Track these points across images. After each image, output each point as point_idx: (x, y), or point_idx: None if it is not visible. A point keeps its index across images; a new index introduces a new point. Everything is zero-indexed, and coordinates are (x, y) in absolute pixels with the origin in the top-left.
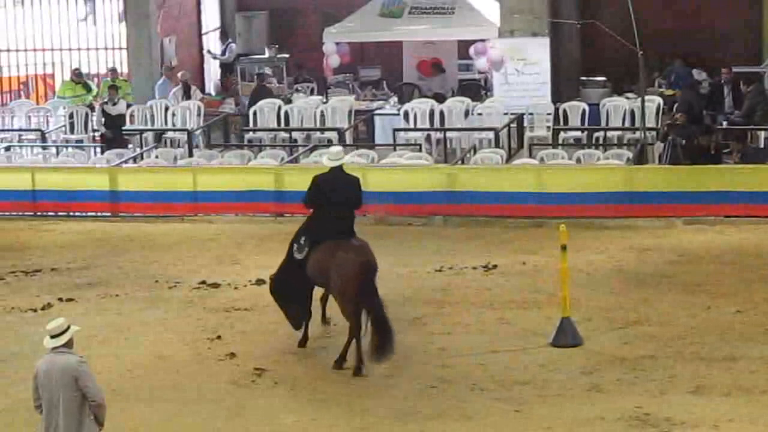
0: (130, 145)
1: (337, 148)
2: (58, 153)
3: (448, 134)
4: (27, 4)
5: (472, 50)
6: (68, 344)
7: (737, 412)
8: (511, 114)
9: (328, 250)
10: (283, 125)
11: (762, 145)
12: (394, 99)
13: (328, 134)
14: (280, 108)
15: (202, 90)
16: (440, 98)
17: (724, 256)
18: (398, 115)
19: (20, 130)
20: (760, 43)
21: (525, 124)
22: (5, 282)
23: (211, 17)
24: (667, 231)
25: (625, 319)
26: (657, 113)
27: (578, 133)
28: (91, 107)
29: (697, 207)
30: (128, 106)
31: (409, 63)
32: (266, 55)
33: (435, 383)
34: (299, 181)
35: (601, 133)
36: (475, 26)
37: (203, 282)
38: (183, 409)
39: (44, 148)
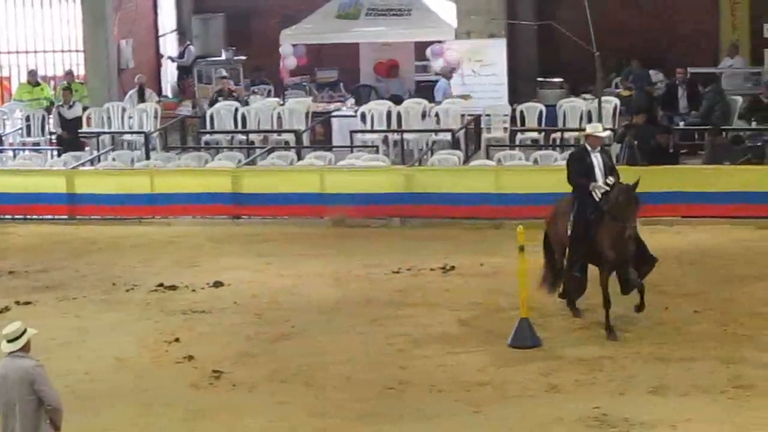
0: (87, 148)
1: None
2: (15, 156)
3: (406, 136)
4: None
5: (429, 52)
6: (25, 348)
7: (695, 412)
8: (469, 115)
9: None
10: (240, 127)
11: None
12: (351, 101)
13: (285, 136)
14: (237, 110)
15: (159, 92)
16: (397, 100)
17: (682, 256)
18: (355, 116)
19: None
20: (718, 44)
21: (482, 125)
22: None
23: (167, 19)
24: None
25: (584, 319)
26: (614, 114)
27: (535, 134)
28: (48, 110)
29: (655, 207)
30: (84, 108)
31: (366, 65)
32: (223, 57)
33: (394, 385)
34: (256, 183)
35: (558, 134)
36: (432, 28)
37: (161, 284)
38: (142, 412)
39: (1, 151)
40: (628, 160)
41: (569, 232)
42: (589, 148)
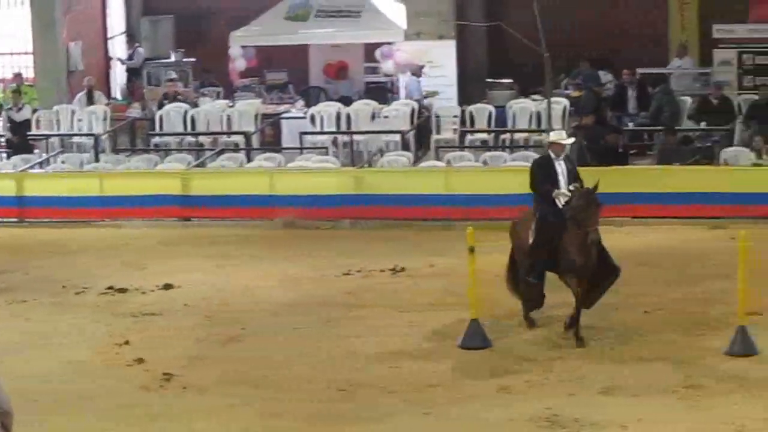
0: (36, 151)
1: None
2: None
3: (355, 137)
4: None
5: (378, 53)
6: None
7: (646, 413)
8: (418, 117)
9: None
10: (189, 129)
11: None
12: (301, 102)
13: (234, 138)
14: (186, 112)
15: (108, 95)
16: (347, 101)
17: (633, 257)
18: (305, 118)
19: None
20: (667, 44)
21: (431, 126)
22: None
23: (117, 21)
24: None
25: (534, 320)
26: (563, 115)
27: (485, 136)
28: None
29: (606, 208)
30: (33, 111)
31: (316, 66)
32: (172, 59)
33: (345, 386)
34: (206, 185)
35: (507, 135)
36: (382, 29)
37: (111, 287)
38: (93, 416)
39: None
40: (577, 161)
41: (531, 239)
42: (552, 155)
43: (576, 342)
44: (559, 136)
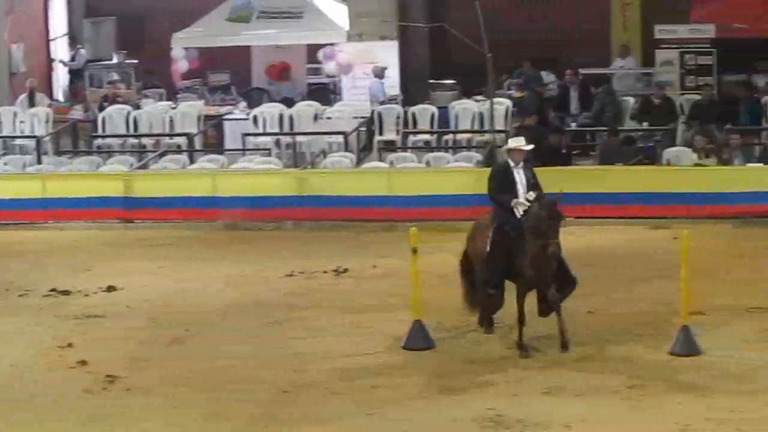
0: None
1: None
2: None
3: (298, 138)
4: None
5: (320, 54)
6: None
7: (589, 413)
8: (361, 118)
9: None
10: (132, 131)
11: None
12: (243, 104)
13: (177, 140)
14: (129, 114)
15: (51, 96)
16: (289, 102)
17: (576, 257)
18: (247, 119)
19: None
20: (609, 45)
21: (374, 127)
22: None
23: (59, 23)
24: None
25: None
26: (506, 116)
27: (427, 137)
28: None
29: None
30: None
31: (258, 67)
32: (115, 61)
33: (289, 388)
34: (149, 187)
35: (450, 136)
36: (324, 30)
37: (54, 289)
38: (37, 419)
39: None
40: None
41: (488, 248)
42: (511, 163)
43: (520, 353)
44: (518, 142)
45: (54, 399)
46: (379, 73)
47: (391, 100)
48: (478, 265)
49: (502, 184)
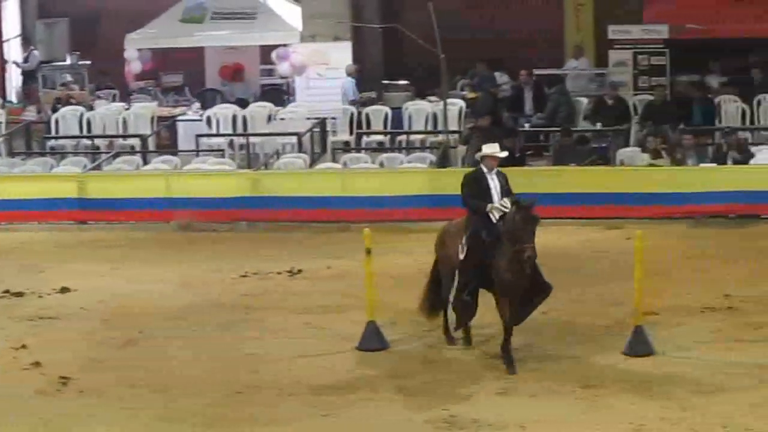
0: None
1: None
2: None
3: (251, 139)
4: None
5: (274, 55)
6: None
7: (544, 413)
8: (314, 119)
9: None
10: (85, 132)
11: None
12: (197, 105)
13: (130, 141)
14: (82, 115)
15: (3, 98)
16: (243, 103)
17: None
18: (201, 120)
19: None
20: (563, 45)
21: (328, 128)
22: None
23: (11, 24)
24: None
25: (431, 322)
26: (459, 116)
27: (381, 137)
28: None
29: None
30: None
31: (212, 68)
32: (68, 62)
33: (243, 389)
34: (102, 188)
35: (403, 137)
36: (277, 31)
37: (7, 291)
38: None
39: None
40: (473, 162)
41: (461, 255)
42: (485, 169)
43: (506, 368)
44: (493, 149)
45: (7, 401)
46: (351, 72)
47: (364, 101)
48: (449, 272)
49: (476, 190)
